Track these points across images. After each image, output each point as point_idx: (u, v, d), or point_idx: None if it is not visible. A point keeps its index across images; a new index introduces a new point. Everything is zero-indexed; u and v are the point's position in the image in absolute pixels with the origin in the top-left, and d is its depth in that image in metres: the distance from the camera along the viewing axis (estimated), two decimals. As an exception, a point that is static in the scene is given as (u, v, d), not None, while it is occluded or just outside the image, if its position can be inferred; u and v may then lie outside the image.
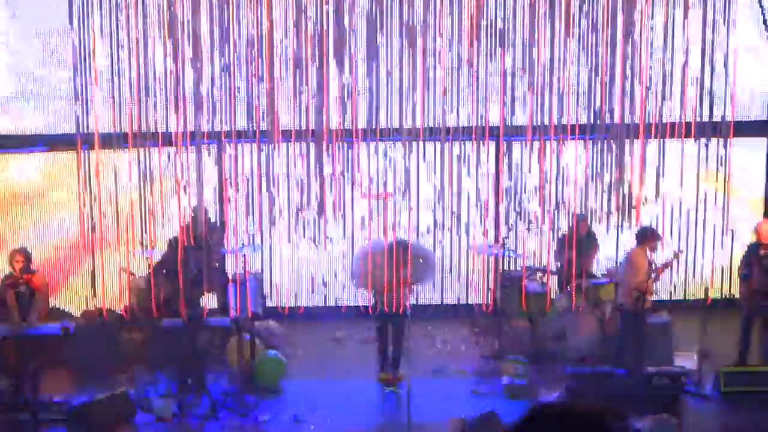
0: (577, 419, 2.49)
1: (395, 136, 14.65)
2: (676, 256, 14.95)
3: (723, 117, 14.69)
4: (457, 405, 13.82)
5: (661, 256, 14.93)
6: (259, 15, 13.97)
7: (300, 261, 16.42)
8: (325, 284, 16.02)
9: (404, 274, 14.36)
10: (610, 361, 14.63)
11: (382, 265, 14.35)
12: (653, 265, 14.70)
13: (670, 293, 16.80)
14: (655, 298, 15.28)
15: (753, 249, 15.03)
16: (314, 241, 15.15)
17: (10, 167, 16.84)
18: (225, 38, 13.99)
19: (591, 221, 15.66)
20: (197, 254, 14.77)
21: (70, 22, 13.95)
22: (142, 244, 14.90)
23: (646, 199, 14.84)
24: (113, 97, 14.21)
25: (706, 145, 14.85)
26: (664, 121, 14.64)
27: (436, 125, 14.68)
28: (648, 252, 14.60)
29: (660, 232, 14.86)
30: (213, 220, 15.89)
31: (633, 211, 14.88)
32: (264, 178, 14.71)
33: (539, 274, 16.12)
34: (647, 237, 14.56)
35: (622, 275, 14.83)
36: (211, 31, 13.94)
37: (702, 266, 16.27)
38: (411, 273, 14.43)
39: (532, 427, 2.52)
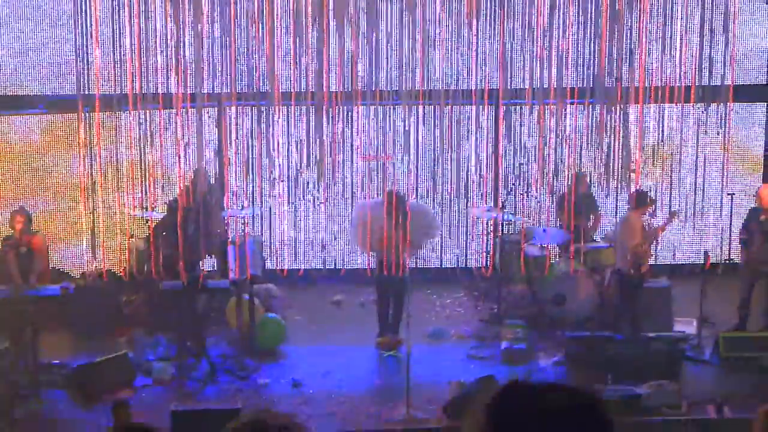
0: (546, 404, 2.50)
1: (395, 99, 14.59)
2: (673, 216, 14.94)
3: (722, 81, 14.65)
4: (456, 369, 13.84)
5: (657, 219, 14.92)
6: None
7: (299, 223, 16.38)
8: (324, 247, 16.00)
9: (403, 231, 14.27)
10: (609, 326, 14.62)
11: (380, 222, 14.29)
12: (649, 229, 14.67)
13: (670, 258, 16.78)
14: (653, 262, 15.25)
15: (754, 214, 15.00)
16: (313, 203, 15.13)
17: (9, 129, 16.79)
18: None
19: (590, 182, 15.64)
20: (197, 216, 14.75)
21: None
22: (141, 206, 14.89)
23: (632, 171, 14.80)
24: (113, 59, 14.14)
25: (705, 110, 14.81)
26: (663, 85, 14.60)
27: (436, 88, 14.63)
28: (644, 216, 14.57)
29: (658, 196, 14.83)
30: (212, 182, 15.84)
31: (632, 175, 14.85)
32: (264, 140, 14.68)
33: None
34: (642, 201, 14.52)
35: (617, 239, 14.79)
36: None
37: (701, 231, 16.26)
38: (411, 232, 14.36)
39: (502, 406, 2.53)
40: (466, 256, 16.68)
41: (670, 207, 15.24)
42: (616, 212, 15.35)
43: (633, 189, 14.75)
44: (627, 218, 14.61)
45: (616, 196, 15.32)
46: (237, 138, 14.98)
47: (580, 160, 15.18)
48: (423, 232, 14.81)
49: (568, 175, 15.32)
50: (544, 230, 15.66)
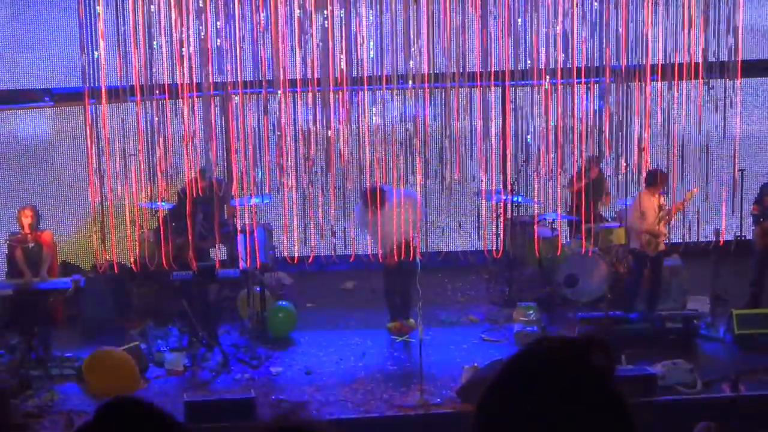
0: (559, 355, 2.46)
1: (400, 83, 14.53)
2: (689, 196, 14.86)
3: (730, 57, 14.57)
4: (469, 353, 13.81)
5: (670, 198, 14.85)
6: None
7: (308, 211, 16.32)
8: (333, 234, 15.95)
9: (382, 223, 14.21)
10: (621, 305, 14.57)
11: (389, 213, 14.24)
12: (663, 208, 14.60)
13: (682, 236, 16.68)
14: (666, 240, 15.18)
15: (766, 189, 14.94)
16: (321, 191, 15.09)
17: (16, 122, 16.77)
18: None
19: (600, 164, 15.58)
20: (206, 206, 14.72)
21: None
22: (150, 196, 14.86)
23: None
24: (119, 50, 14.09)
25: (712, 87, 14.73)
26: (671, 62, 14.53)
27: (442, 71, 14.57)
28: (656, 195, 14.51)
29: (669, 174, 14.76)
30: (220, 171, 15.78)
31: (641, 155, 14.79)
32: (271, 128, 14.65)
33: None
34: (655, 180, 14.45)
35: (630, 219, 14.73)
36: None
37: (712, 208, 16.18)
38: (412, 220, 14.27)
39: (517, 365, 2.49)
40: (477, 239, 16.59)
41: (683, 186, 15.16)
42: (625, 192, 15.25)
43: (643, 169, 14.70)
44: (639, 197, 14.55)
45: (626, 177, 15.21)
46: (243, 126, 14.90)
47: (591, 142, 15.09)
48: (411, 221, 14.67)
49: (577, 157, 15.25)
50: (554, 212, 15.62)
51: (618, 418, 2.46)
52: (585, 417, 2.43)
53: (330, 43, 14.10)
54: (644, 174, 14.62)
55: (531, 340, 2.59)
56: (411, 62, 14.32)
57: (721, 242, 14.91)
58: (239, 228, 15.16)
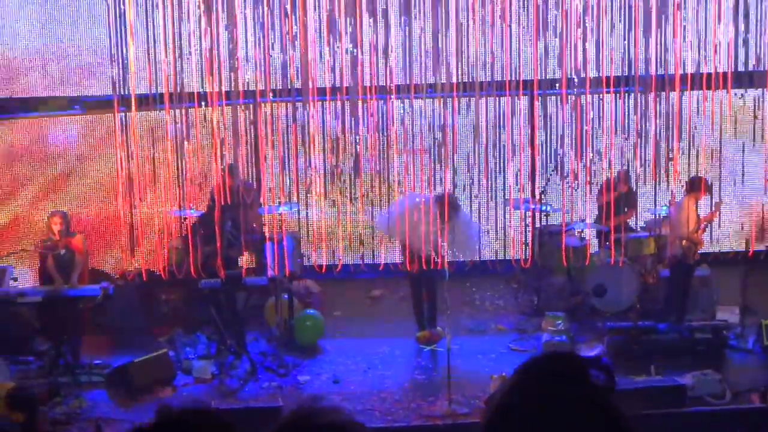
0: (560, 374, 2.50)
1: (429, 92, 14.53)
2: (718, 207, 14.79)
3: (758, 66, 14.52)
4: (497, 362, 13.78)
5: (704, 207, 14.80)
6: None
7: (336, 218, 16.34)
8: (362, 242, 15.95)
9: (439, 231, 14.18)
10: (651, 316, 14.51)
11: (418, 220, 14.22)
12: (699, 216, 14.55)
13: (711, 246, 16.61)
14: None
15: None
16: (350, 199, 15.10)
17: (47, 130, 16.85)
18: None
19: (630, 177, 15.51)
20: (234, 214, 14.73)
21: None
22: (179, 204, 14.90)
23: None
24: (149, 58, 14.14)
25: (743, 96, 14.68)
26: (700, 71, 14.47)
27: (471, 80, 14.56)
28: (698, 201, 14.45)
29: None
30: (248, 179, 15.81)
31: (671, 164, 14.72)
32: (300, 136, 14.67)
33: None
34: (697, 187, 14.37)
35: (673, 224, 14.61)
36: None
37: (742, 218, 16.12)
38: (449, 236, 14.23)
39: (519, 383, 2.56)
40: (505, 248, 16.55)
41: (712, 197, 15.09)
42: (655, 203, 15.18)
43: (673, 179, 14.64)
44: (682, 204, 14.46)
45: (655, 187, 15.13)
46: (273, 134, 14.93)
47: (620, 152, 15.05)
48: (463, 242, 14.68)
49: (605, 167, 15.21)
50: (583, 221, 15.58)
51: None
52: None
53: (359, 50, 14.11)
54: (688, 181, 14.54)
55: (534, 356, 2.63)
56: (439, 71, 14.32)
57: (751, 253, 14.83)
58: (267, 236, 15.18)
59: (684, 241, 14.36)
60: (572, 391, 2.48)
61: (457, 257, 14.83)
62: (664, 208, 15.07)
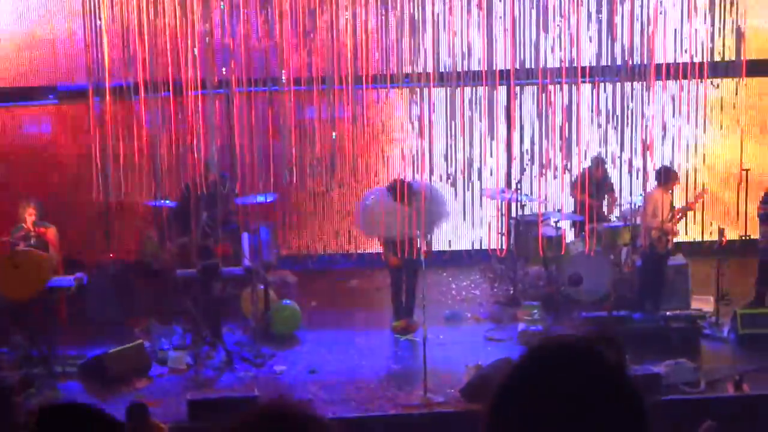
0: (571, 351, 2.46)
1: (405, 82, 14.52)
2: (700, 196, 14.83)
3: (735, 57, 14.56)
4: (473, 352, 13.77)
5: (679, 197, 14.83)
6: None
7: (314, 208, 16.32)
8: (337, 233, 15.94)
9: (410, 216, 14.16)
10: (626, 305, 14.54)
11: (387, 208, 14.21)
12: (673, 206, 14.58)
13: (686, 235, 16.66)
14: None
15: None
16: (326, 189, 15.08)
17: (21, 120, 16.75)
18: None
19: (604, 161, 15.55)
20: (210, 204, 14.69)
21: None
22: (154, 194, 14.83)
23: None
24: (123, 47, 14.08)
25: (717, 86, 14.74)
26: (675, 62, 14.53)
27: (447, 70, 14.56)
28: (669, 192, 14.49)
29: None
30: (223, 169, 15.76)
31: (647, 154, 14.77)
32: (274, 126, 14.64)
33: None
34: (667, 177, 14.42)
35: (642, 215, 14.67)
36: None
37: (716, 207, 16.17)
38: (418, 221, 14.22)
39: (529, 365, 2.51)
40: (481, 238, 16.56)
41: (695, 186, 15.14)
42: (630, 192, 15.23)
43: (649, 167, 14.69)
44: (651, 195, 14.51)
45: (631, 175, 15.18)
46: (248, 123, 14.89)
47: (598, 141, 15.11)
48: (434, 216, 14.67)
49: (581, 155, 15.24)
50: (558, 211, 15.61)
51: (635, 411, 2.48)
52: (602, 411, 2.43)
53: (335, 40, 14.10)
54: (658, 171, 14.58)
55: (537, 339, 2.58)
56: (415, 61, 14.32)
57: (724, 242, 14.88)
58: (243, 226, 15.14)
59: (653, 231, 14.40)
60: (585, 370, 2.45)
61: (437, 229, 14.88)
62: (640, 197, 15.10)
